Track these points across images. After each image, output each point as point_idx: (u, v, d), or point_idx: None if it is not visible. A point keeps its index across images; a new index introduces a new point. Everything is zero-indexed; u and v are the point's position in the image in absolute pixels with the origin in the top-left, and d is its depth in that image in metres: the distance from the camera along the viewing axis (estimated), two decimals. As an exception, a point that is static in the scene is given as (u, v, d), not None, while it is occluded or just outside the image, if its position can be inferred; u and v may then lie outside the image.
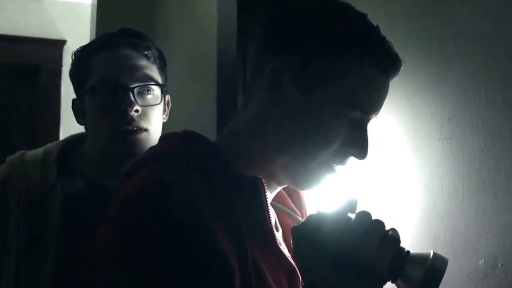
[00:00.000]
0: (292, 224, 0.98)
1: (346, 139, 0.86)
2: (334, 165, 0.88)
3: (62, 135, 3.18)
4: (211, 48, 1.72)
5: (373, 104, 0.88)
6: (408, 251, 0.82)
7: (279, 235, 0.94)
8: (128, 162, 1.21)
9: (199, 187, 0.80)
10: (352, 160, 0.90)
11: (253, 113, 0.89)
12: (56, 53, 3.27)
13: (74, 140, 1.30)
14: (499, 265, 0.97)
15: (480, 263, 1.00)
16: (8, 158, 1.23)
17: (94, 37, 2.35)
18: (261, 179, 0.84)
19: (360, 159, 0.88)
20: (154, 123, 1.22)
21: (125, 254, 0.75)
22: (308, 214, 1.05)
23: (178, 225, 0.74)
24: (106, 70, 1.20)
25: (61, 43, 3.33)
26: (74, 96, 1.28)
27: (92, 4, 2.47)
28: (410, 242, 1.11)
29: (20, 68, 3.33)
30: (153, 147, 0.93)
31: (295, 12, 0.90)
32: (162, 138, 0.93)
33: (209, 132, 1.67)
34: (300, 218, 1.00)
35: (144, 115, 1.20)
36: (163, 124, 1.29)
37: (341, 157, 0.88)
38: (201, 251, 0.75)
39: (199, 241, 0.75)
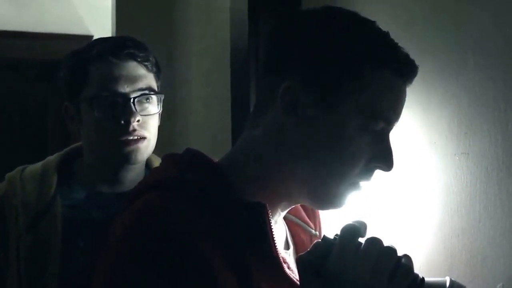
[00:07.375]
0: (305, 238, 0.96)
1: (372, 153, 0.83)
2: (360, 182, 0.85)
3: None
4: (225, 45, 1.71)
5: (394, 112, 0.85)
6: (423, 279, 0.77)
7: (290, 252, 0.91)
8: (127, 170, 1.24)
9: (198, 219, 0.77)
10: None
11: (269, 134, 0.85)
12: (83, 48, 3.28)
13: (74, 150, 1.30)
14: (517, 291, 0.92)
15: (498, 286, 0.96)
16: (7, 175, 1.24)
17: (115, 31, 2.36)
18: (265, 205, 0.80)
19: (387, 171, 0.85)
20: (152, 131, 1.23)
21: (121, 284, 0.74)
22: (322, 226, 1.02)
23: (173, 264, 0.73)
24: (106, 80, 1.19)
25: (87, 39, 3.33)
26: None
27: (113, -3, 2.46)
28: (425, 259, 1.07)
29: (49, 65, 3.36)
30: (155, 171, 0.90)
31: (304, 29, 0.86)
32: (164, 159, 0.90)
33: (224, 134, 1.65)
34: (313, 231, 0.97)
35: (144, 123, 1.21)
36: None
37: (367, 173, 0.85)
38: None
39: (197, 281, 0.73)
